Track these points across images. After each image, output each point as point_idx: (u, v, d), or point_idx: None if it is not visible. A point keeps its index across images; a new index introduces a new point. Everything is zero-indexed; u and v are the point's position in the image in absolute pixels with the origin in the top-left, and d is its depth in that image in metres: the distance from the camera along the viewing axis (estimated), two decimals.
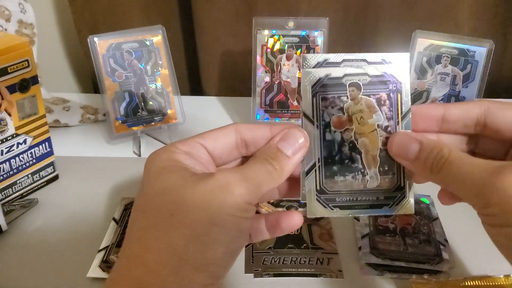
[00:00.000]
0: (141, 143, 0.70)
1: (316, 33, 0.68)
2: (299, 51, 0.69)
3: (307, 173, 0.36)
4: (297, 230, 0.54)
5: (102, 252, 0.50)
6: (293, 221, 0.36)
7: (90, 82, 0.95)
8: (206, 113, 0.80)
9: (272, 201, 0.58)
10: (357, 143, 0.36)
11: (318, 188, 0.36)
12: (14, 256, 0.50)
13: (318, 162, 0.36)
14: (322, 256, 0.50)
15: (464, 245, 0.52)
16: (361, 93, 0.36)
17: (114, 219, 0.55)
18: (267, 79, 0.70)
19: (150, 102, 0.70)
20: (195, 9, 0.84)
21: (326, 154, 0.36)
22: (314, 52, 0.69)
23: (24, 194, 0.59)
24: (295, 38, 0.68)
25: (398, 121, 0.36)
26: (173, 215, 0.30)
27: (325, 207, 0.36)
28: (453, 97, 0.68)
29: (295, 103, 0.70)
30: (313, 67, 0.36)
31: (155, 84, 0.70)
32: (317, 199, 0.36)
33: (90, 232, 0.53)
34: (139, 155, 0.68)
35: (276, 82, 0.70)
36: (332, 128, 0.36)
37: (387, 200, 0.36)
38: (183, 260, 0.29)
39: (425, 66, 0.68)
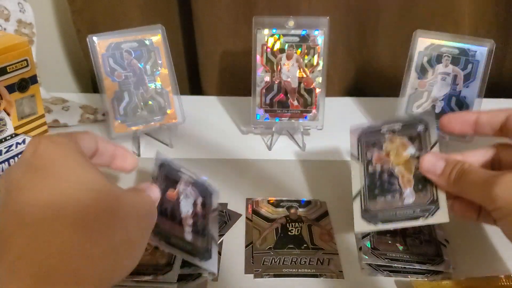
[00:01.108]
0: (140, 143, 0.69)
1: (316, 33, 0.68)
2: (299, 50, 0.68)
3: (354, 198, 0.44)
4: (298, 231, 0.53)
5: None
6: (125, 164, 0.42)
7: (90, 82, 0.95)
8: (206, 113, 0.80)
9: (272, 201, 0.58)
10: (394, 171, 0.46)
11: (363, 208, 0.44)
12: None
13: (363, 190, 0.45)
14: (322, 256, 0.50)
15: (464, 245, 0.52)
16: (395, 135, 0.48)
17: None
18: (267, 78, 0.70)
19: (150, 102, 0.70)
20: (195, 8, 0.84)
21: (369, 182, 0.45)
22: (314, 52, 0.68)
23: None
24: (295, 37, 0.68)
25: (427, 150, 0.46)
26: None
27: (369, 222, 0.43)
28: (454, 97, 0.68)
29: (295, 102, 0.70)
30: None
31: (155, 84, 0.70)
32: (362, 217, 0.43)
33: None
34: (139, 155, 0.68)
35: (276, 82, 0.70)
36: (374, 163, 0.47)
37: (423, 213, 0.43)
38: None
39: (425, 65, 0.68)
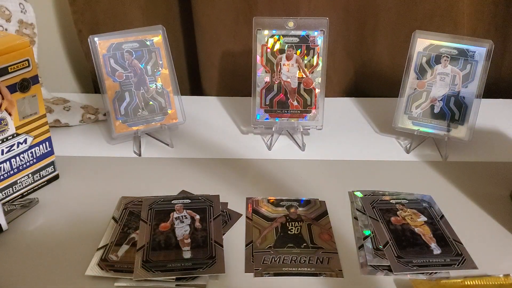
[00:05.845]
0: (141, 143, 0.70)
1: (316, 33, 0.68)
2: (299, 51, 0.69)
3: (384, 246, 0.51)
4: (297, 230, 0.54)
5: (101, 251, 0.50)
6: None
7: (91, 82, 0.95)
8: (206, 113, 0.80)
9: (272, 201, 0.58)
10: (415, 230, 0.53)
11: (396, 255, 0.50)
12: (14, 255, 0.50)
13: (390, 240, 0.52)
14: (322, 255, 0.50)
15: (463, 245, 0.52)
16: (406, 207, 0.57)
17: (113, 218, 0.55)
18: (267, 79, 0.70)
19: (151, 102, 0.70)
20: (195, 9, 0.84)
21: (394, 236, 0.52)
22: (313, 52, 0.69)
23: (24, 194, 0.59)
24: (295, 38, 0.69)
25: (437, 220, 0.55)
26: None
27: (405, 266, 0.48)
28: (453, 97, 0.68)
29: (295, 103, 0.70)
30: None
31: (156, 84, 0.70)
32: (397, 262, 0.49)
33: (90, 231, 0.53)
34: (139, 155, 0.68)
35: (276, 82, 0.70)
36: (393, 223, 0.54)
37: (453, 262, 0.49)
38: None
39: (424, 66, 0.69)
